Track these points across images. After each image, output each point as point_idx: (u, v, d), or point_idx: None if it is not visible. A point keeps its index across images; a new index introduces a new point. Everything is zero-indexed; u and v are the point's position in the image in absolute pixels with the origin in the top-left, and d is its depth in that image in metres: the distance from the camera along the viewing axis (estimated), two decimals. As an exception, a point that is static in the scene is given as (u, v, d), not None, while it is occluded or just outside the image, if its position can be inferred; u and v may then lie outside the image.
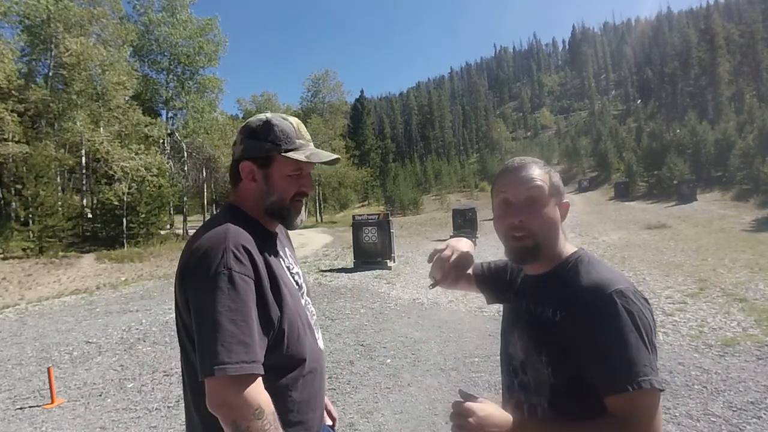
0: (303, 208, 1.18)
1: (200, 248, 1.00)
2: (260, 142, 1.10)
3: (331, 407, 1.35)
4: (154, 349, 5.52)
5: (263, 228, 1.15)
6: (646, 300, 0.88)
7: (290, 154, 1.09)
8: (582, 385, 0.87)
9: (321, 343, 1.21)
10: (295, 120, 1.15)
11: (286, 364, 1.06)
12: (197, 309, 0.96)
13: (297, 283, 1.17)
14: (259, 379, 0.94)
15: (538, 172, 0.98)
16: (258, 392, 0.93)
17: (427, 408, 3.44)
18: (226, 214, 1.12)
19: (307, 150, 1.12)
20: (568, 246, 1.01)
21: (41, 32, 18.80)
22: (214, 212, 29.22)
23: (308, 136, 1.16)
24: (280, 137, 1.10)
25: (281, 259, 1.15)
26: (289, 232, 1.34)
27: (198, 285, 0.97)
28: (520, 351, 1.00)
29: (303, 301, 1.17)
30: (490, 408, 0.85)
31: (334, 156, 1.14)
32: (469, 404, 0.84)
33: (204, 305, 0.94)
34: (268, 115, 1.14)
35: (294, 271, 1.19)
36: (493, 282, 1.23)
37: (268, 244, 1.13)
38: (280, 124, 1.11)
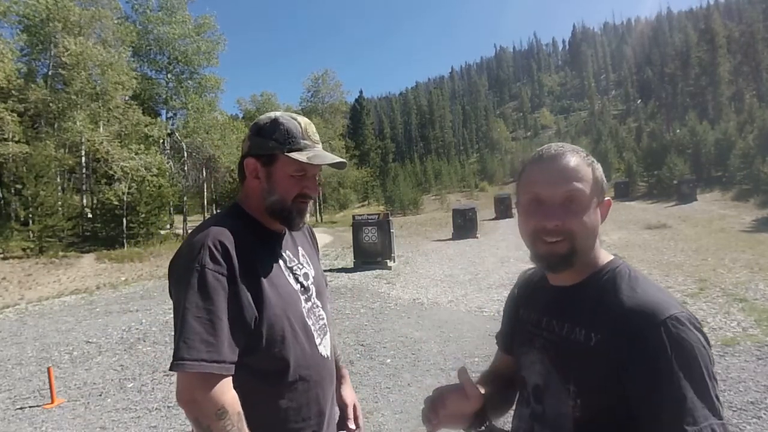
0: (307, 209, 1.17)
1: (184, 245, 1.04)
2: (265, 140, 1.09)
3: (347, 419, 1.28)
4: (154, 349, 5.52)
5: (263, 227, 1.13)
6: (701, 328, 0.75)
7: (293, 155, 1.07)
8: (614, 422, 0.73)
9: (325, 350, 1.15)
10: (303, 120, 1.14)
11: (267, 369, 1.03)
12: (174, 304, 1.00)
13: (302, 285, 1.14)
14: (227, 379, 0.93)
15: (580, 165, 0.80)
16: (223, 392, 0.91)
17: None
18: (225, 212, 1.16)
19: (311, 151, 1.10)
20: (602, 253, 0.85)
21: (40, 32, 18.81)
22: (214, 212, 29.26)
23: (316, 138, 1.14)
24: (285, 136, 1.09)
25: (282, 260, 1.13)
26: (315, 230, 1.36)
27: (174, 280, 1.02)
28: (537, 375, 0.85)
29: (308, 305, 1.13)
30: None
31: (338, 159, 1.11)
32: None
33: (176, 301, 0.98)
34: (277, 113, 1.14)
35: (301, 272, 1.16)
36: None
37: (264, 243, 1.11)
38: (287, 124, 1.10)
